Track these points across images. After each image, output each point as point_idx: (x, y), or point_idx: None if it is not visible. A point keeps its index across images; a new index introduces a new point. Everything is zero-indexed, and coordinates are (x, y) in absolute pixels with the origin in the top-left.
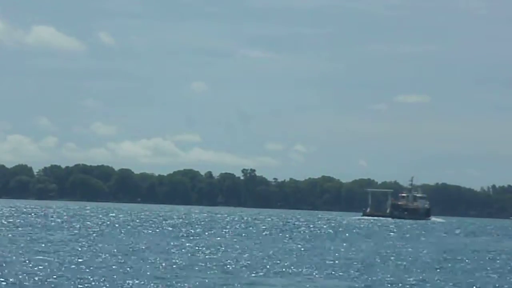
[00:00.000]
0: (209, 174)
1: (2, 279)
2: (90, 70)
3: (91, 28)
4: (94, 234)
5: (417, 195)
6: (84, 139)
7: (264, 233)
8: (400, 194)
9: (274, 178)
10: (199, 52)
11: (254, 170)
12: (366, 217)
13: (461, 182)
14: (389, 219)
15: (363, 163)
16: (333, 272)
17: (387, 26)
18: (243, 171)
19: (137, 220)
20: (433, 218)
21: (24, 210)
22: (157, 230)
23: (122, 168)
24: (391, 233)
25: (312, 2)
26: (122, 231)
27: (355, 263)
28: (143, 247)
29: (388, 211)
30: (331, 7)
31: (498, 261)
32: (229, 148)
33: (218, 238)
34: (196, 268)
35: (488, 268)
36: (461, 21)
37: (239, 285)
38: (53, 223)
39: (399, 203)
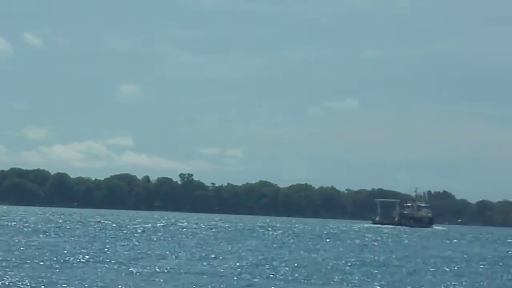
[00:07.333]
0: (146, 179)
1: None
2: (18, 72)
3: (17, 28)
4: None
5: (421, 204)
6: (15, 142)
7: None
8: (405, 204)
9: (212, 183)
10: (130, 55)
11: (191, 175)
12: (376, 225)
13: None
14: (399, 227)
15: (298, 168)
16: None
17: (322, 29)
18: (181, 175)
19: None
20: (435, 227)
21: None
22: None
23: (58, 172)
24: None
25: (253, 3)
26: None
27: None
28: None
29: (396, 219)
30: (273, 10)
31: None
32: (161, 152)
33: None
34: None
35: None
36: (396, 25)
37: None
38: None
39: (405, 212)
